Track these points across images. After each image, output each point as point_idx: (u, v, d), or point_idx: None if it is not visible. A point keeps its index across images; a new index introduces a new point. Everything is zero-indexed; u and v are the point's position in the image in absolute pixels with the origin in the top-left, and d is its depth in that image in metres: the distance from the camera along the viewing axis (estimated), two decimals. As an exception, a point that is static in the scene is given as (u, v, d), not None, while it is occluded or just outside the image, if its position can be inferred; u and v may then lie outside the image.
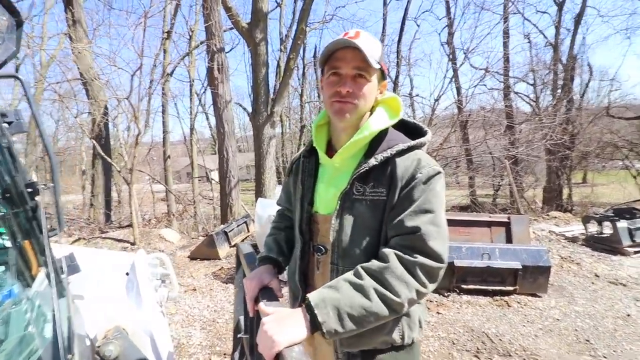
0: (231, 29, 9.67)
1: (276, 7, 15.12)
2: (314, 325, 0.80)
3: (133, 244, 5.90)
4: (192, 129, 16.04)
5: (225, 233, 5.51)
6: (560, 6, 14.67)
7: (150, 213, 14.46)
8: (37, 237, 1.27)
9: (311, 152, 1.14)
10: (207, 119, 20.91)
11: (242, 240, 5.92)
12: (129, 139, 8.69)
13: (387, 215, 0.94)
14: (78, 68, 8.04)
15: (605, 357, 2.78)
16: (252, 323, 1.51)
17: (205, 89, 16.55)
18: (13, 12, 1.27)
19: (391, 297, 0.83)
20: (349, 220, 0.98)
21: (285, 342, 0.76)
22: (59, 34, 9.53)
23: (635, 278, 4.43)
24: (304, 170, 1.13)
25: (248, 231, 6.20)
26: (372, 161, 0.95)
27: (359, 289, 0.83)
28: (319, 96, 17.75)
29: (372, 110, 1.04)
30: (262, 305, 0.93)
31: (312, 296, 0.83)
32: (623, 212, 5.94)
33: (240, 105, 12.39)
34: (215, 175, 15.57)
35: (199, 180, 16.24)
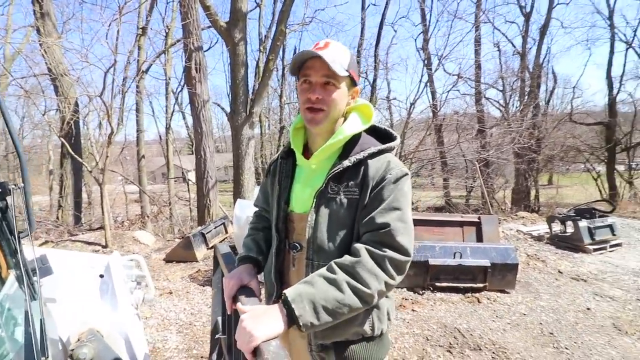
0: (209, 27, 9.54)
1: (255, 7, 15.01)
2: (291, 319, 0.84)
3: (105, 246, 5.69)
4: (168, 128, 15.65)
5: (203, 235, 5.43)
6: (527, 17, 15.45)
7: (122, 215, 13.96)
8: (7, 238, 1.23)
9: (289, 153, 1.19)
10: (184, 118, 20.46)
11: (221, 242, 5.85)
12: (100, 138, 8.37)
13: (359, 213, 1.00)
14: (46, 63, 7.67)
15: (567, 348, 2.96)
16: (230, 322, 1.53)
17: (182, 88, 16.20)
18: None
19: (362, 289, 0.89)
20: (324, 217, 1.03)
21: (263, 336, 0.80)
22: (26, 27, 9.06)
23: (595, 274, 4.74)
24: (282, 170, 1.18)
25: (226, 233, 6.13)
26: (346, 162, 1.01)
27: (333, 282, 0.88)
28: (298, 97, 17.72)
29: (346, 116, 1.10)
30: (240, 305, 0.96)
31: (288, 292, 0.87)
32: (584, 212, 6.32)
33: (219, 105, 12.22)
34: (192, 176, 15.25)
35: (175, 181, 15.85)
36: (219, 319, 1.95)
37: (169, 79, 15.34)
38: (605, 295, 4.05)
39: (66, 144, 6.49)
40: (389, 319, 1.12)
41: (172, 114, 16.02)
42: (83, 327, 1.44)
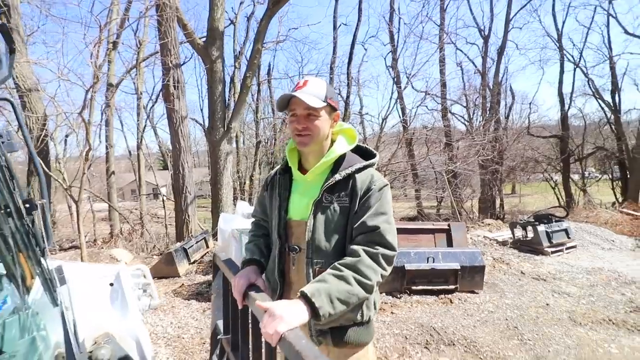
0: (182, 43, 9.61)
1: (229, 24, 15.31)
2: (313, 311, 1.02)
3: (80, 265, 5.54)
4: (139, 143, 15.29)
5: (185, 250, 5.43)
6: (485, 39, 16.75)
7: (90, 234, 13.37)
8: (34, 249, 1.34)
9: (286, 170, 1.41)
10: (156, 133, 20.05)
11: (202, 257, 5.86)
12: (64, 154, 8.12)
13: (350, 218, 1.23)
14: (14, 78, 7.45)
15: (530, 340, 3.28)
16: (236, 322, 1.68)
17: (154, 103, 15.98)
18: (9, 39, 1.39)
19: (365, 281, 1.11)
20: (320, 222, 1.25)
21: (294, 322, 0.95)
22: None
23: (553, 274, 5.21)
24: (280, 184, 1.39)
25: (207, 247, 6.14)
26: (337, 176, 1.24)
27: (342, 278, 1.09)
28: (273, 112, 18.00)
29: (335, 138, 1.35)
30: (259, 301, 1.14)
31: (306, 289, 1.06)
32: (542, 217, 6.89)
33: (196, 121, 12.21)
34: (164, 192, 14.92)
35: (147, 197, 15.42)
36: (219, 322, 2.08)
37: (141, 94, 15.09)
38: (562, 292, 4.49)
39: (40, 161, 6.29)
40: (375, 308, 1.34)
41: (144, 129, 15.71)
42: (98, 331, 1.55)
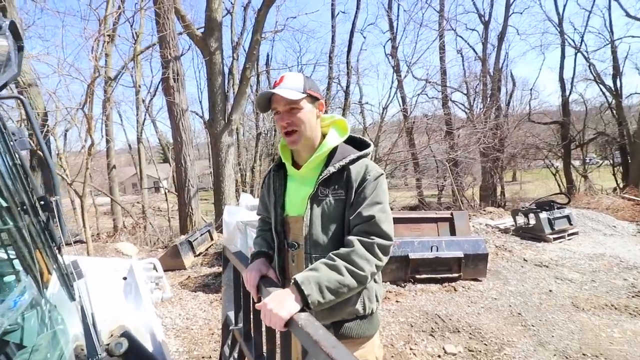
0: (180, 34, 9.51)
1: (227, 14, 15.08)
2: (304, 298, 1.04)
3: (87, 259, 5.59)
4: (139, 137, 15.26)
5: (190, 242, 5.48)
6: (486, 25, 16.54)
7: (93, 228, 13.44)
8: (50, 246, 1.36)
9: (280, 166, 1.41)
10: (155, 126, 20.00)
11: (207, 249, 5.91)
12: (65, 149, 8.12)
13: (347, 210, 1.23)
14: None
15: (533, 326, 3.34)
16: (247, 313, 1.71)
17: (153, 96, 15.89)
18: (17, 36, 1.39)
19: (358, 272, 1.10)
20: (317, 216, 1.24)
21: (287, 315, 1.00)
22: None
23: (555, 260, 5.26)
24: (275, 181, 1.39)
25: (212, 240, 6.19)
26: (332, 169, 1.22)
27: (334, 268, 1.10)
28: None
29: (326, 131, 1.34)
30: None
31: (298, 276, 1.08)
32: (544, 204, 6.92)
33: (196, 113, 12.15)
34: (166, 185, 14.95)
35: (149, 190, 15.46)
36: (230, 313, 2.12)
37: (139, 87, 14.97)
38: (565, 278, 4.54)
39: (43, 156, 6.29)
40: (377, 300, 1.34)
41: (143, 123, 15.66)
42: (113, 324, 1.58)
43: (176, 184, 8.10)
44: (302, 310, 1.06)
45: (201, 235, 5.91)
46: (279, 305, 1.02)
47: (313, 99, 1.26)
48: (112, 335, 1.56)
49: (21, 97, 1.48)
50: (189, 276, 4.88)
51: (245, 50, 8.85)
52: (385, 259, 1.18)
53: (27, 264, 1.37)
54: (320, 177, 1.23)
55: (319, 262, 1.13)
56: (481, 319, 3.50)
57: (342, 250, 1.14)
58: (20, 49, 1.43)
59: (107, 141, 14.56)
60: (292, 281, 1.08)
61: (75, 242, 7.15)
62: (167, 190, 12.39)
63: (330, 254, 1.15)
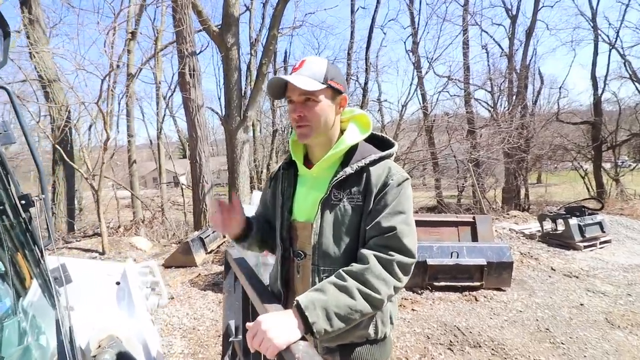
0: (199, 31, 9.53)
1: (245, 10, 15.07)
2: (307, 326, 0.87)
3: (102, 253, 5.64)
4: (159, 133, 15.52)
5: (201, 239, 5.42)
6: (513, 19, 15.82)
7: (114, 220, 13.78)
8: (31, 248, 1.26)
9: (290, 164, 1.23)
10: (175, 122, 20.33)
11: (219, 247, 5.85)
12: (90, 144, 8.28)
13: (364, 219, 1.04)
14: (36, 69, 7.58)
15: (563, 343, 3.06)
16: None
17: (173, 92, 16.11)
18: (2, 23, 1.27)
19: (373, 295, 0.92)
20: (328, 223, 1.07)
21: (283, 344, 0.82)
22: (13, 32, 8.92)
23: (586, 270, 4.89)
24: (284, 180, 1.22)
25: (224, 237, 6.12)
26: (348, 170, 1.05)
27: (344, 289, 0.91)
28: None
29: (345, 126, 1.15)
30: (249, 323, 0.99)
31: (301, 299, 0.90)
32: (574, 210, 6.50)
33: (212, 110, 12.20)
34: (184, 180, 15.14)
35: (167, 185, 15.72)
36: (231, 322, 1.99)
37: (159, 83, 15.22)
38: (597, 290, 4.19)
39: (61, 150, 6.41)
40: (391, 323, 1.16)
41: (163, 119, 15.92)
42: (102, 333, 1.46)
43: (191, 180, 8.10)
44: (302, 338, 0.90)
45: (213, 232, 5.84)
46: (277, 329, 0.84)
47: (335, 91, 1.07)
48: (99, 346, 1.44)
49: (6, 87, 1.38)
50: (199, 274, 4.81)
51: (263, 47, 8.73)
52: (405, 280, 0.99)
53: (5, 268, 1.26)
54: (335, 178, 1.06)
55: (326, 281, 0.95)
56: (505, 333, 3.24)
57: (355, 267, 0.96)
58: (6, 35, 1.32)
59: (129, 136, 14.91)
60: (295, 303, 0.90)
61: (94, 234, 7.27)
62: (183, 186, 12.52)
63: (340, 271, 0.97)
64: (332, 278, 0.96)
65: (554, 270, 4.90)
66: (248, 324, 0.98)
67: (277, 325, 0.85)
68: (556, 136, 16.47)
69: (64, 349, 1.06)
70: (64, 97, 7.77)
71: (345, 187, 1.06)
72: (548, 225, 6.49)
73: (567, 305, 3.80)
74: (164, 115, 15.85)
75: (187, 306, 3.89)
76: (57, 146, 6.23)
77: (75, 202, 11.05)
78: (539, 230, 6.64)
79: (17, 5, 8.29)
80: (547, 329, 3.29)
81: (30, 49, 6.89)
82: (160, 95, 15.35)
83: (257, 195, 4.65)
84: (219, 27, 8.01)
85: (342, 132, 1.15)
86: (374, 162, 1.07)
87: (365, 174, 1.05)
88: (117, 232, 8.42)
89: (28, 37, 7.59)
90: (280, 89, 1.08)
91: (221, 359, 1.98)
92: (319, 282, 1.04)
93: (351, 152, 1.10)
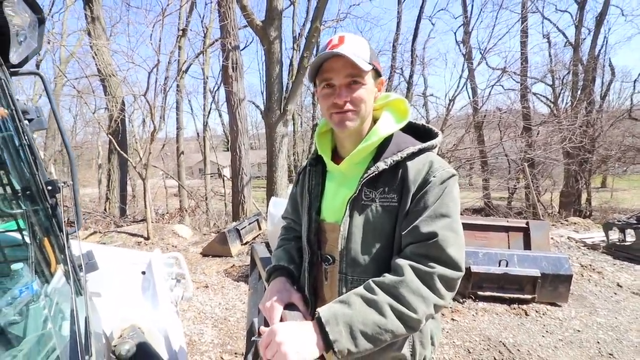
0: (245, 26, 9.69)
1: (290, 5, 15.10)
2: (327, 343, 0.75)
3: (147, 238, 5.97)
4: (205, 125, 16.19)
5: (237, 230, 5.52)
6: (581, 5, 14.26)
7: (163, 208, 14.68)
8: (56, 234, 1.26)
9: (317, 160, 1.10)
10: (220, 116, 21.14)
11: (254, 239, 5.92)
12: (143, 135, 8.80)
13: (399, 222, 0.89)
14: (96, 64, 8.17)
15: (629, 371, 2.66)
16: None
17: (219, 87, 16.71)
18: (36, 9, 1.26)
19: (408, 314, 0.77)
20: (358, 227, 0.92)
21: (295, 357, 0.72)
22: (79, 31, 9.72)
23: (659, 289, 4.25)
24: (311, 178, 1.09)
25: (260, 229, 6.19)
26: (382, 165, 0.90)
27: (373, 304, 0.78)
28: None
29: (378, 114, 1.00)
30: (262, 328, 0.89)
31: (322, 311, 0.78)
32: (647, 219, 5.71)
33: (253, 103, 12.46)
34: (227, 172, 15.71)
35: (211, 176, 16.41)
36: (255, 320, 1.92)
37: (207, 78, 15.86)
38: (675, 314, 3.62)
39: (113, 140, 6.88)
40: (432, 344, 0.99)
41: (209, 112, 16.58)
42: (125, 323, 1.45)
43: (231, 171, 8.32)
44: (321, 357, 0.77)
45: (249, 224, 5.92)
46: (292, 344, 0.73)
47: (377, 74, 0.94)
48: (121, 336, 1.43)
49: (40, 73, 1.39)
50: (233, 264, 4.88)
51: (306, 40, 8.67)
52: (449, 297, 0.83)
53: (32, 253, 1.27)
54: (366, 175, 0.91)
55: (353, 292, 0.82)
56: (559, 354, 2.88)
57: (388, 278, 0.82)
58: (41, 21, 1.32)
59: (177, 128, 15.74)
60: (316, 315, 0.78)
61: (142, 220, 7.73)
62: (224, 177, 12.97)
63: (370, 281, 0.83)
64: (360, 289, 0.82)
65: (621, 286, 4.32)
66: (262, 328, 0.88)
67: (293, 339, 0.74)
68: (627, 136, 14.70)
69: (76, 336, 1.03)
70: (120, 91, 8.31)
71: (378, 185, 0.92)
72: (615, 235, 5.77)
73: (636, 329, 3.31)
74: (210, 109, 16.50)
75: (220, 296, 3.95)
76: (109, 136, 6.69)
77: (130, 189, 11.90)
78: (603, 240, 5.92)
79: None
80: (611, 355, 2.88)
81: (91, 45, 7.42)
82: (207, 89, 16.00)
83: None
84: (263, 21, 8.06)
85: (374, 121, 0.99)
86: (412, 156, 0.90)
87: (401, 169, 0.90)
88: (163, 218, 8.91)
89: (89, 35, 8.20)
90: (315, 70, 0.93)
91: (244, 357, 1.93)
92: (347, 292, 0.90)
93: (385, 144, 0.94)
